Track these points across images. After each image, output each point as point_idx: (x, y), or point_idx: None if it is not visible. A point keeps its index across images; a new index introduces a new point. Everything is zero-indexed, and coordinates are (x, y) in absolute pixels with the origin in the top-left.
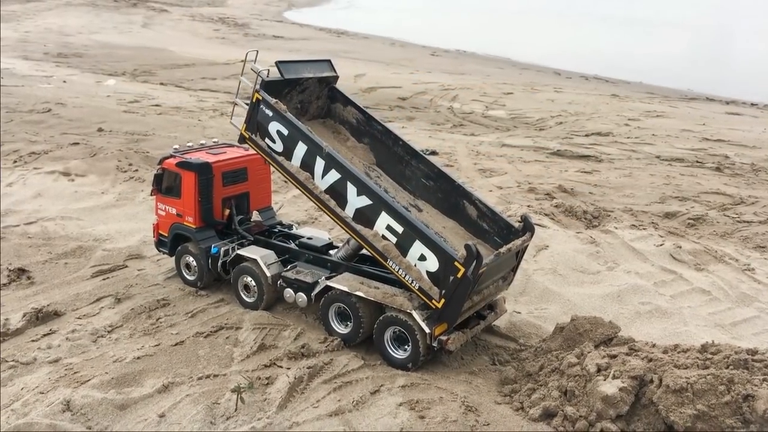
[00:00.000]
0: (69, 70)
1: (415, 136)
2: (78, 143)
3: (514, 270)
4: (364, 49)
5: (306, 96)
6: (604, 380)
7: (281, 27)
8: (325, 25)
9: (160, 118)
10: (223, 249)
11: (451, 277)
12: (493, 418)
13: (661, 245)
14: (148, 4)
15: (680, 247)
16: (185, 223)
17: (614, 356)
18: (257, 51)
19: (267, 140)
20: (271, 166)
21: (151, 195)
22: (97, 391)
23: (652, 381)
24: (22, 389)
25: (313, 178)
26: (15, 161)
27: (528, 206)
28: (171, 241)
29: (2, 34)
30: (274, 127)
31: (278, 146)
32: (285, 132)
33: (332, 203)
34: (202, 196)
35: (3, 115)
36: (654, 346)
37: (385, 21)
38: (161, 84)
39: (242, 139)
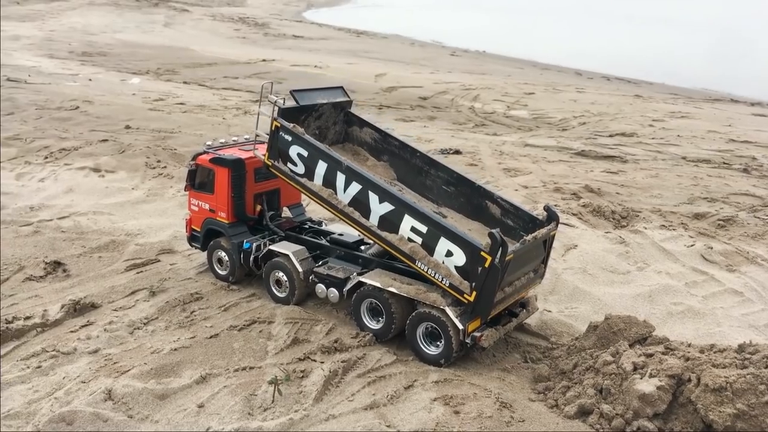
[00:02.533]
0: (94, 69)
1: (438, 135)
2: (107, 140)
3: (545, 262)
4: (383, 49)
5: (323, 122)
6: (641, 379)
7: (301, 27)
8: (344, 25)
9: (185, 116)
10: (255, 244)
11: (480, 268)
12: (528, 415)
13: (691, 246)
14: (169, 4)
15: (711, 248)
16: (218, 218)
17: (650, 355)
18: (272, 82)
19: (289, 165)
20: (298, 190)
21: (185, 191)
22: (137, 381)
23: (689, 380)
24: (63, 378)
25: (336, 194)
26: (46, 157)
27: (555, 205)
28: (203, 236)
29: (28, 33)
30: (294, 150)
31: (300, 168)
32: (305, 153)
33: (357, 215)
34: (234, 192)
35: (32, 112)
36: (690, 345)
37: (404, 21)
38: (185, 83)
39: (266, 168)
